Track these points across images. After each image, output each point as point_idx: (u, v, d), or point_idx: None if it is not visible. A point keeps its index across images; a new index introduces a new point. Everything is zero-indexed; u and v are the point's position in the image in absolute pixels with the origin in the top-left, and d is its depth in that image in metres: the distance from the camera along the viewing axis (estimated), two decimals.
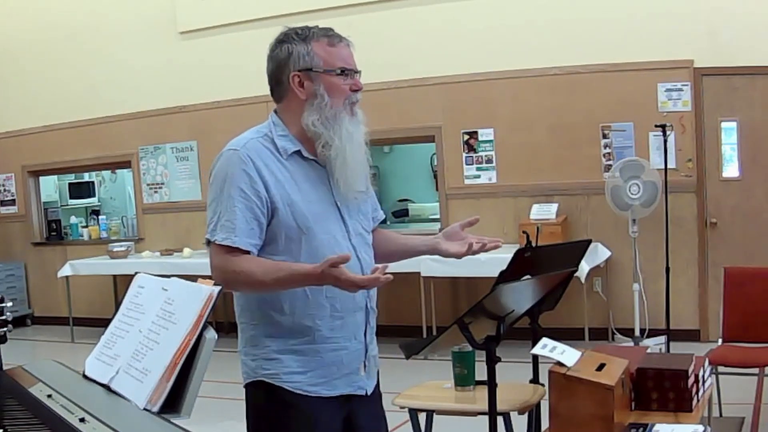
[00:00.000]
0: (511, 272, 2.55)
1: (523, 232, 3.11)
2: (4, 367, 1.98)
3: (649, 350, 3.27)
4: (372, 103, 3.42)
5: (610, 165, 6.38)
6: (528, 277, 2.44)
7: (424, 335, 6.26)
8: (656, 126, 5.86)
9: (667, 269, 5.72)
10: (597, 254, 6.28)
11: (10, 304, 1.95)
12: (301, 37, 2.15)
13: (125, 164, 8.64)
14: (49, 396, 1.68)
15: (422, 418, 3.10)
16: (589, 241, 3.22)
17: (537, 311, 2.98)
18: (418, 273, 6.14)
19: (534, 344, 2.63)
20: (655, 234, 6.08)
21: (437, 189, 7.27)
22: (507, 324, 2.36)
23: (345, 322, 2.17)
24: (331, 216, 2.16)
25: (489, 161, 6.94)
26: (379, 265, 2.03)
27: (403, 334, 5.82)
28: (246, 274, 2.06)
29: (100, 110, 8.34)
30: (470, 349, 2.76)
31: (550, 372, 2.53)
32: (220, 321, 7.81)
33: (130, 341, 1.81)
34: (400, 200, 9.61)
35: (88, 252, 8.52)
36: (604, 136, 6.56)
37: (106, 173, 10.52)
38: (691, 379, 2.66)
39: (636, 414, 2.65)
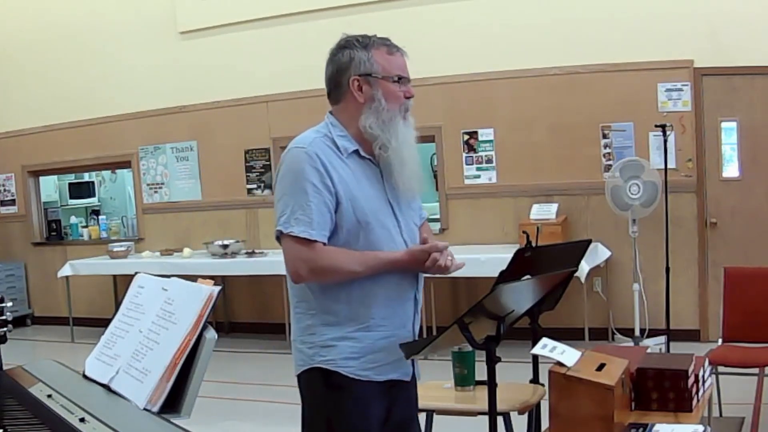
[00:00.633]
0: (511, 272, 2.55)
1: (523, 232, 3.11)
2: (4, 367, 1.99)
3: (649, 350, 3.27)
4: None
5: (610, 165, 6.38)
6: (528, 277, 2.44)
7: (424, 335, 6.26)
8: (656, 126, 5.86)
9: (667, 269, 5.72)
10: (597, 254, 6.28)
11: (10, 304, 1.95)
12: (362, 44, 2.30)
13: (125, 164, 8.64)
14: (49, 396, 1.68)
15: (422, 418, 3.10)
16: (589, 241, 3.22)
17: (537, 311, 2.98)
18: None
19: (534, 344, 2.63)
20: (655, 234, 6.08)
21: (437, 189, 7.27)
22: (507, 324, 2.36)
23: (396, 311, 2.32)
24: (385, 212, 2.32)
25: (489, 161, 6.94)
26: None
27: None
28: (335, 264, 2.21)
29: (100, 110, 8.34)
30: (470, 349, 2.76)
31: (550, 372, 2.53)
32: (220, 321, 7.83)
33: (130, 341, 1.81)
34: None
35: (88, 252, 8.52)
36: (604, 136, 6.57)
37: (106, 173, 10.51)
38: (691, 379, 2.66)
39: (636, 414, 2.65)
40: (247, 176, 7.85)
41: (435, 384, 3.20)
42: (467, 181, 7.02)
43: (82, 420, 1.50)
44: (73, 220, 9.34)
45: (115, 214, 10.10)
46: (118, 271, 7.77)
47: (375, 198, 2.29)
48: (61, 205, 9.97)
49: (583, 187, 6.60)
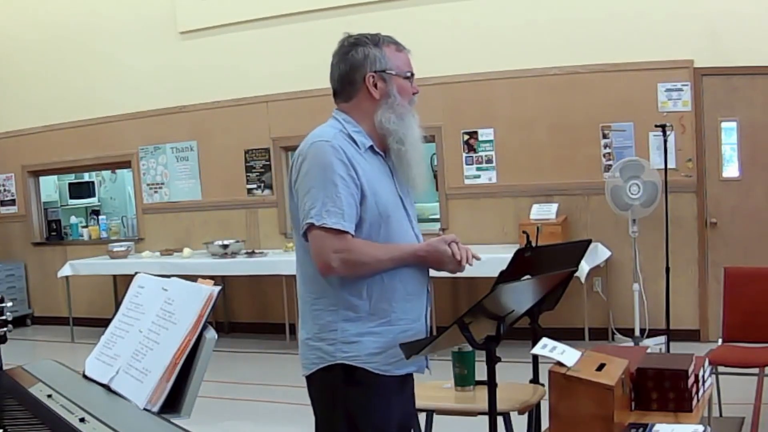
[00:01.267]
0: (511, 272, 2.55)
1: (523, 232, 3.11)
2: (4, 367, 1.99)
3: (649, 350, 3.27)
4: None
5: (610, 165, 6.38)
6: (528, 277, 2.44)
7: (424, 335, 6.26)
8: (656, 126, 5.86)
9: (667, 269, 5.72)
10: (597, 254, 6.28)
11: (10, 304, 1.95)
12: (373, 41, 2.34)
13: (125, 164, 8.64)
14: (49, 396, 1.68)
15: (422, 418, 3.10)
16: (589, 241, 3.22)
17: (537, 311, 2.98)
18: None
19: (534, 344, 2.63)
20: (655, 234, 6.08)
21: (437, 189, 7.27)
22: (507, 324, 2.36)
23: (413, 304, 2.35)
24: (398, 205, 2.37)
25: (489, 161, 6.94)
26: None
27: None
28: (366, 255, 2.24)
29: (100, 110, 8.34)
30: (470, 349, 2.76)
31: (550, 372, 2.53)
32: (220, 321, 7.83)
33: (130, 341, 1.81)
34: None
35: (88, 252, 8.52)
36: (604, 136, 6.56)
37: (106, 173, 10.51)
38: (691, 379, 2.66)
39: (636, 414, 2.65)
40: (247, 176, 7.85)
41: (435, 384, 3.20)
42: (467, 181, 7.02)
43: (82, 420, 1.50)
44: (73, 220, 9.34)
45: (115, 214, 10.10)
46: (118, 271, 7.77)
47: (390, 192, 2.34)
48: (61, 205, 9.97)
49: (583, 187, 6.60)
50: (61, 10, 8.50)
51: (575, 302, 6.19)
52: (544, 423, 2.72)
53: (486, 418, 2.45)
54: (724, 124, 6.30)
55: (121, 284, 7.89)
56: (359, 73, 2.32)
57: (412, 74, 2.41)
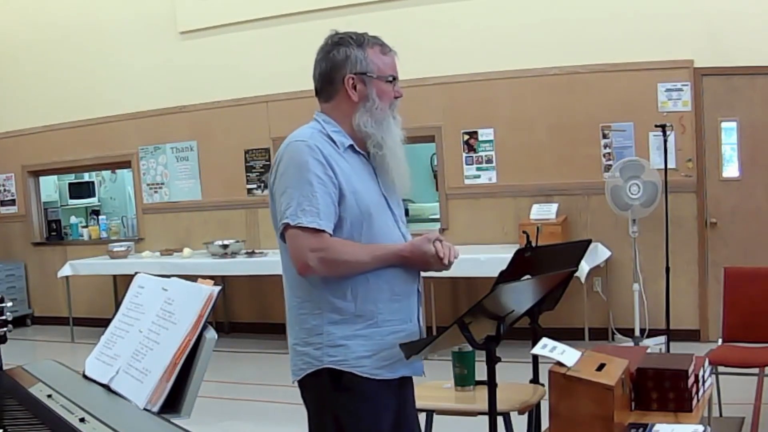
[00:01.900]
0: (511, 272, 2.55)
1: (523, 232, 3.11)
2: (4, 367, 1.98)
3: (649, 350, 3.27)
4: None
5: (610, 165, 6.38)
6: (528, 277, 2.44)
7: (424, 335, 6.26)
8: (656, 126, 5.86)
9: (667, 269, 5.72)
10: (597, 254, 6.28)
11: (10, 304, 1.95)
12: (356, 42, 2.31)
13: (125, 164, 8.64)
14: (49, 396, 1.68)
15: (422, 418, 3.09)
16: (589, 241, 3.22)
17: (537, 311, 2.98)
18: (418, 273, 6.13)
19: (534, 344, 2.62)
20: (655, 234, 6.08)
21: (437, 189, 7.27)
22: (507, 324, 2.36)
23: (402, 305, 2.31)
24: (383, 205, 2.33)
25: (489, 161, 6.94)
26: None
27: None
28: (345, 254, 2.20)
29: (100, 110, 8.34)
30: (470, 349, 2.75)
31: (550, 372, 2.53)
32: (220, 321, 7.83)
33: (130, 341, 1.81)
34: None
35: (88, 252, 8.52)
36: (604, 136, 6.56)
37: (106, 173, 10.51)
38: (691, 379, 2.66)
39: (636, 414, 2.65)
40: (247, 176, 7.85)
41: (435, 384, 3.20)
42: (467, 181, 7.02)
43: (82, 420, 1.50)
44: (73, 220, 9.34)
45: (115, 214, 10.09)
46: (118, 271, 7.77)
47: (373, 191, 2.30)
48: (61, 205, 9.97)
49: (583, 187, 6.60)
50: (62, 10, 8.50)
51: (575, 302, 6.19)
52: (544, 423, 2.72)
53: (486, 418, 2.45)
54: (724, 124, 6.30)
55: (121, 284, 7.89)
56: (339, 73, 2.30)
57: (395, 78, 2.35)
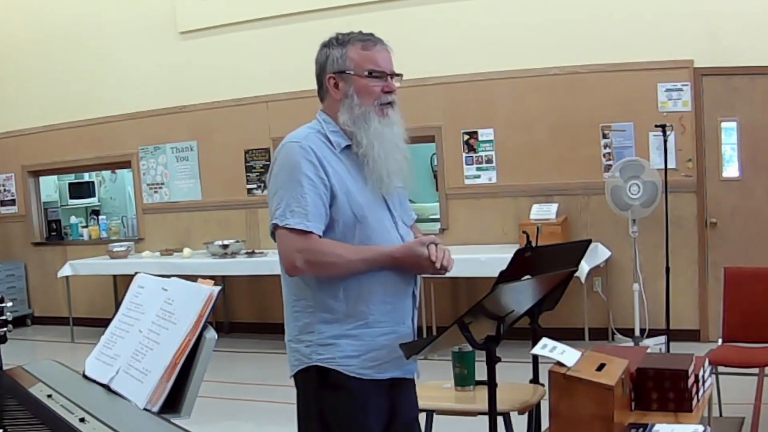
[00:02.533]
0: (511, 272, 2.55)
1: (523, 232, 3.11)
2: (4, 367, 1.98)
3: (649, 350, 3.27)
4: None
5: (610, 165, 6.38)
6: (528, 277, 2.44)
7: (424, 335, 6.26)
8: (656, 126, 5.86)
9: (667, 269, 5.72)
10: (597, 254, 6.28)
11: (10, 304, 1.95)
12: (340, 41, 2.32)
13: (125, 164, 8.64)
14: (49, 396, 1.68)
15: (422, 418, 3.09)
16: (589, 241, 3.22)
17: (537, 311, 2.98)
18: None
19: (534, 344, 2.62)
20: (655, 234, 6.08)
21: (437, 189, 7.27)
22: (507, 324, 2.36)
23: (395, 307, 2.30)
24: (380, 206, 2.31)
25: (489, 161, 6.94)
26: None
27: None
28: (331, 255, 2.20)
29: (100, 110, 8.34)
30: (470, 349, 2.76)
31: (550, 372, 2.53)
32: (220, 321, 7.83)
33: (130, 341, 1.81)
34: None
35: (88, 252, 8.52)
36: (604, 136, 6.56)
37: (106, 173, 10.51)
38: (691, 379, 2.66)
39: (636, 414, 2.65)
40: (247, 176, 7.85)
41: (435, 384, 3.20)
42: (467, 181, 7.02)
43: (82, 420, 1.50)
44: (73, 220, 9.34)
45: (115, 214, 10.09)
46: (118, 271, 7.77)
47: (369, 192, 2.28)
48: (61, 205, 9.97)
49: (583, 187, 6.60)
50: (61, 10, 8.50)
51: (575, 302, 6.19)
52: (544, 423, 2.72)
53: (486, 418, 2.45)
54: (724, 124, 6.30)
55: (121, 284, 7.89)
56: (324, 74, 2.33)
57: (376, 71, 2.29)
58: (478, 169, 6.98)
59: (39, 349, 7.87)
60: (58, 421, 1.53)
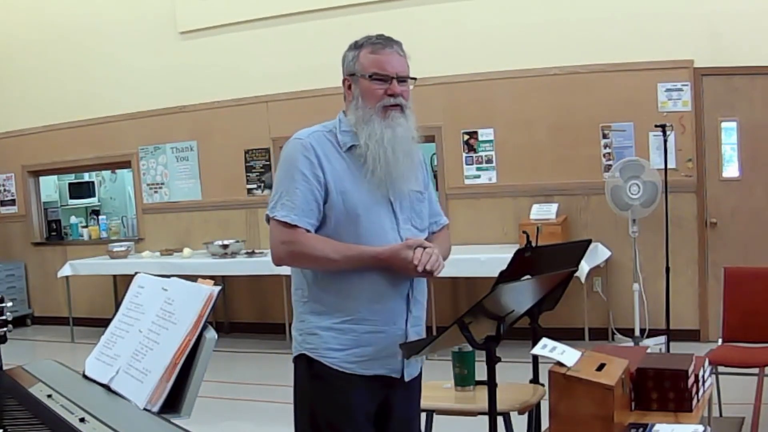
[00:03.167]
0: (511, 272, 2.55)
1: (523, 232, 3.11)
2: (4, 367, 1.98)
3: (649, 350, 3.27)
4: None
5: (610, 165, 6.38)
6: (528, 277, 2.44)
7: (425, 335, 6.26)
8: (656, 126, 5.86)
9: (667, 269, 5.72)
10: (597, 254, 6.28)
11: (10, 304, 1.95)
12: (357, 45, 2.38)
13: (125, 164, 8.64)
14: (49, 396, 1.68)
15: (422, 418, 3.09)
16: (589, 241, 3.22)
17: (537, 311, 2.98)
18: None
19: (534, 344, 2.63)
20: (655, 234, 6.08)
21: (437, 189, 7.27)
22: (507, 324, 2.36)
23: (385, 307, 2.32)
24: (381, 207, 2.33)
25: (489, 161, 6.94)
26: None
27: None
28: (313, 250, 2.25)
29: (100, 110, 8.34)
30: (470, 349, 2.76)
31: (550, 372, 2.53)
32: (220, 321, 7.83)
33: (130, 341, 1.81)
34: None
35: (88, 252, 8.52)
36: (604, 136, 6.56)
37: (106, 173, 10.51)
38: (691, 379, 2.66)
39: (636, 414, 2.65)
40: (247, 176, 7.84)
41: (435, 384, 3.20)
42: (467, 181, 7.02)
43: (82, 420, 1.50)
44: (73, 220, 9.34)
45: (115, 214, 10.10)
46: (118, 271, 7.77)
47: (370, 192, 2.30)
48: (61, 205, 9.97)
49: (583, 187, 6.60)
50: (61, 10, 8.50)
51: (575, 302, 6.19)
52: (544, 423, 2.72)
53: (486, 418, 2.45)
54: (724, 124, 6.30)
55: (121, 284, 7.89)
56: (343, 76, 2.40)
57: (378, 74, 2.31)
58: (478, 169, 6.99)
59: (39, 349, 7.87)
60: (58, 421, 1.53)
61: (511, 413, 2.91)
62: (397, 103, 2.35)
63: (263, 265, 7.04)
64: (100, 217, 9.48)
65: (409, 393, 2.44)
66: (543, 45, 6.64)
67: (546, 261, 2.80)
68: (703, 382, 2.85)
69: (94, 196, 10.53)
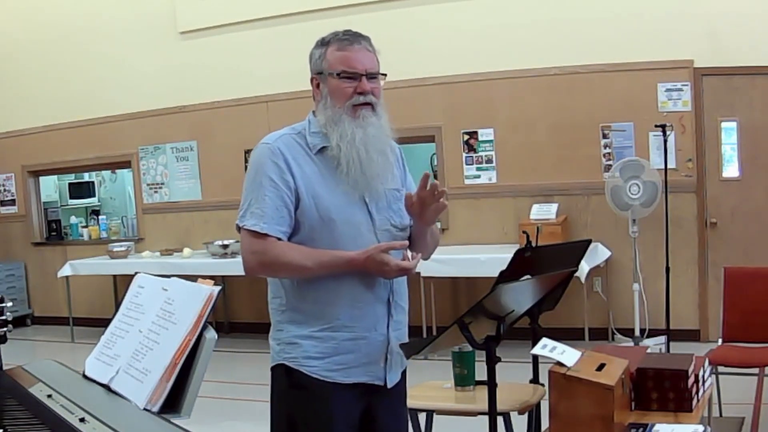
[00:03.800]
0: (511, 272, 2.56)
1: (523, 232, 3.12)
2: (4, 367, 1.98)
3: (649, 350, 3.27)
4: None
5: (610, 165, 6.38)
6: (528, 277, 2.44)
7: (424, 335, 6.25)
8: (656, 126, 5.86)
9: (667, 269, 5.72)
10: (597, 254, 6.28)
11: (10, 304, 1.95)
12: (324, 42, 2.29)
13: (125, 164, 8.64)
14: (49, 396, 1.68)
15: (422, 418, 3.10)
16: (589, 241, 3.22)
17: (537, 311, 2.98)
18: (419, 273, 6.15)
19: (534, 344, 2.62)
20: (655, 234, 6.08)
21: None
22: (507, 324, 2.36)
23: (365, 312, 2.24)
24: (356, 209, 2.24)
25: (489, 161, 6.94)
26: (410, 253, 2.18)
27: None
28: (284, 258, 2.18)
29: (100, 110, 8.34)
30: (470, 349, 2.76)
31: (550, 372, 2.53)
32: (220, 321, 7.83)
33: (130, 341, 1.81)
34: None
35: (88, 252, 8.52)
36: (604, 136, 6.56)
37: (106, 173, 10.51)
38: (691, 379, 2.66)
39: (636, 414, 2.65)
40: None
41: (435, 384, 3.20)
42: (467, 181, 7.02)
43: (82, 420, 1.50)
44: (73, 220, 9.34)
45: (115, 214, 10.09)
46: (118, 271, 7.77)
47: (343, 194, 2.22)
48: (61, 205, 9.97)
49: (583, 187, 6.60)
50: (62, 11, 8.50)
51: (575, 302, 6.19)
52: (544, 423, 2.72)
53: (486, 418, 2.45)
54: (724, 124, 6.30)
55: (121, 284, 7.89)
56: (310, 75, 2.34)
57: (348, 72, 2.22)
58: (478, 169, 6.98)
59: (39, 349, 7.87)
60: (58, 421, 1.53)
61: (511, 413, 2.91)
62: (367, 101, 2.24)
63: None
64: (100, 217, 9.47)
65: (393, 400, 2.36)
66: (543, 45, 6.64)
67: (546, 261, 2.80)
68: (703, 382, 2.85)
69: (94, 196, 10.53)
